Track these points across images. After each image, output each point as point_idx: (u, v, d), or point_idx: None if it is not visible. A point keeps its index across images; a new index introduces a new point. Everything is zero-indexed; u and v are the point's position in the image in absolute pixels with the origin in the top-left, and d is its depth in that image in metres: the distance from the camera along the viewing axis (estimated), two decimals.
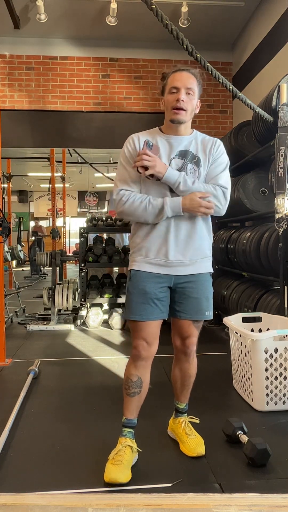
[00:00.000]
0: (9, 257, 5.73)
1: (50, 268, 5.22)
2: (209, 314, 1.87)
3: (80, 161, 9.90)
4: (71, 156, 9.74)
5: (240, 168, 4.20)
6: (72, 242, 15.66)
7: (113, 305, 4.98)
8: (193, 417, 2.02)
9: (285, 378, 2.35)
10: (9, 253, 5.73)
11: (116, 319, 4.56)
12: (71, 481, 1.70)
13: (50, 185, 8.82)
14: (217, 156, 1.84)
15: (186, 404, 2.01)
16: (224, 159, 1.86)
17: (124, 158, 1.86)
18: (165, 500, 1.53)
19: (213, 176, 1.82)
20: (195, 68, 1.84)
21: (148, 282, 1.80)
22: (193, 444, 1.88)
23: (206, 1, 4.59)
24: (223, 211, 1.83)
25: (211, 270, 1.90)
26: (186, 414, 2.02)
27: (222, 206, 1.81)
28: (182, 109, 1.76)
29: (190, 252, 1.80)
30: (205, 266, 1.87)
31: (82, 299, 4.86)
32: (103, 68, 5.47)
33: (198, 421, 2.01)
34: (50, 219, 12.29)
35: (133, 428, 1.87)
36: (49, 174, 9.14)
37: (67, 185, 11.20)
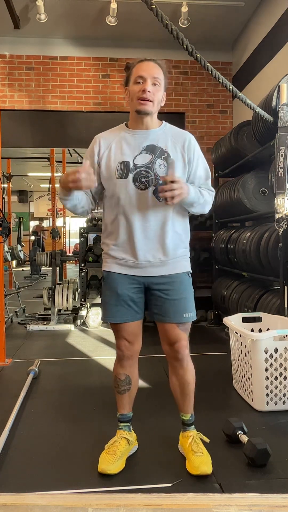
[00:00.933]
0: (9, 257, 5.73)
1: (50, 268, 5.22)
2: (189, 316, 1.78)
3: (80, 161, 9.89)
4: (71, 156, 9.74)
5: (240, 168, 4.20)
6: (72, 242, 15.67)
7: None
8: (202, 434, 1.89)
9: (285, 378, 2.35)
10: (9, 253, 5.73)
11: None
12: (71, 481, 1.70)
13: (50, 185, 8.82)
14: (197, 157, 1.79)
15: (191, 415, 1.89)
16: (202, 157, 1.83)
17: (84, 161, 1.83)
18: (165, 500, 1.53)
19: (204, 181, 1.82)
20: (162, 60, 1.77)
21: (120, 284, 1.76)
22: (197, 462, 1.74)
23: (206, 1, 4.59)
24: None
25: (189, 270, 1.83)
26: (193, 426, 1.89)
27: (209, 205, 1.83)
28: (148, 100, 1.69)
29: (160, 253, 1.74)
30: (180, 266, 1.79)
31: (82, 299, 4.86)
32: (103, 68, 5.47)
33: (208, 440, 1.87)
34: (50, 219, 12.29)
35: (128, 421, 1.90)
36: (49, 174, 9.15)
37: None
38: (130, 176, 1.72)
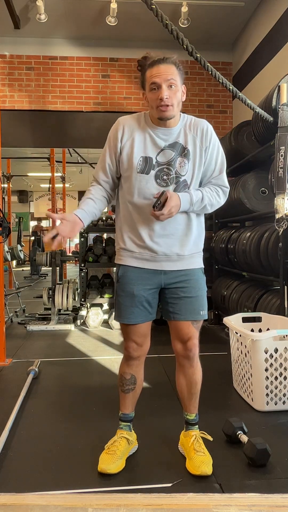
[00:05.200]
0: (9, 257, 5.74)
1: (50, 268, 5.22)
2: (204, 314, 1.79)
3: (80, 161, 9.90)
4: (71, 156, 9.74)
5: (240, 168, 4.20)
6: (72, 242, 15.66)
7: (113, 305, 4.98)
8: (205, 433, 1.90)
9: (285, 378, 2.35)
10: (9, 253, 5.73)
11: None
12: (71, 481, 1.70)
13: (50, 185, 8.82)
14: (213, 148, 1.75)
15: (196, 415, 1.87)
16: (218, 146, 1.78)
17: (106, 144, 1.80)
18: (165, 500, 1.53)
19: (217, 175, 1.78)
20: (172, 55, 1.67)
21: (137, 285, 1.75)
22: (199, 461, 1.73)
23: (206, 1, 4.59)
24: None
25: (202, 266, 1.83)
26: (197, 426, 1.88)
27: (220, 205, 1.82)
28: (167, 105, 1.64)
29: (178, 248, 1.73)
30: (195, 261, 1.79)
31: (82, 299, 4.86)
32: (103, 68, 5.47)
33: (211, 439, 1.89)
34: (50, 219, 12.27)
35: (130, 421, 1.89)
36: (49, 174, 9.15)
37: (67, 185, 11.21)
38: (152, 172, 1.70)
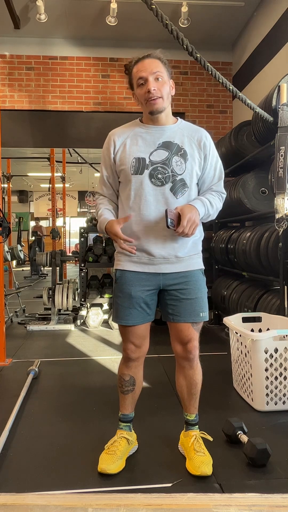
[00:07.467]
0: (9, 257, 5.74)
1: (50, 268, 5.22)
2: (205, 316, 1.77)
3: (80, 161, 9.90)
4: (71, 156, 9.75)
5: (240, 168, 4.20)
6: (72, 242, 15.67)
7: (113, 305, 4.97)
8: (205, 433, 1.90)
9: (285, 378, 2.35)
10: (9, 253, 5.73)
11: None
12: (71, 481, 1.70)
13: (50, 185, 8.83)
14: (212, 156, 1.78)
15: (196, 415, 1.87)
16: (216, 155, 1.82)
17: (101, 159, 1.83)
18: (165, 500, 1.53)
19: (217, 182, 1.81)
20: (157, 51, 1.73)
21: (134, 286, 1.74)
22: (198, 461, 1.73)
23: (206, 1, 4.59)
24: None
25: (202, 267, 1.82)
26: (197, 426, 1.88)
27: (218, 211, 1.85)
28: (156, 97, 1.66)
29: (175, 250, 1.72)
30: (195, 263, 1.78)
31: (82, 299, 4.86)
32: (103, 68, 5.47)
33: (211, 439, 1.89)
34: (50, 219, 12.30)
35: (130, 422, 1.89)
36: (49, 174, 9.15)
37: (67, 185, 11.21)
38: (146, 172, 1.69)
